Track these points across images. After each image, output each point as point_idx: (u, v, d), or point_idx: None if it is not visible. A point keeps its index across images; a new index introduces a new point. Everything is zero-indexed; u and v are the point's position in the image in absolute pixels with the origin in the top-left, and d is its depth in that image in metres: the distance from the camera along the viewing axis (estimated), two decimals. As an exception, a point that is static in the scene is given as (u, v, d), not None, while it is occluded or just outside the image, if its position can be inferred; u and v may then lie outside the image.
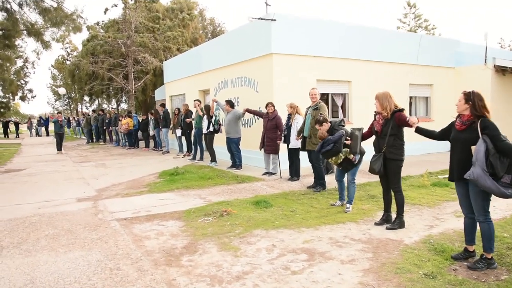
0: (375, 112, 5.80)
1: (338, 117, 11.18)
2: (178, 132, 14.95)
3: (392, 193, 5.82)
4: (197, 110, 12.89)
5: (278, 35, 10.51)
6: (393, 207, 5.85)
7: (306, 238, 5.24)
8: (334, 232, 5.48)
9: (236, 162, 10.88)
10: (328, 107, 12.03)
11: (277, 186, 8.59)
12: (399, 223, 5.68)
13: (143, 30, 24.21)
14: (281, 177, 9.50)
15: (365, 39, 12.34)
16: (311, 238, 5.22)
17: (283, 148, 9.56)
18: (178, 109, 15.55)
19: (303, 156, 9.16)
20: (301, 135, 8.54)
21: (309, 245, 4.96)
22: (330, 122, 6.68)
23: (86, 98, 40.01)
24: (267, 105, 9.59)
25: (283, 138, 9.20)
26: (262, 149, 9.88)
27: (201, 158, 13.00)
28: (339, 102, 12.25)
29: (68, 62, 34.98)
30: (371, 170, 5.73)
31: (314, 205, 6.94)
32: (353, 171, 6.64)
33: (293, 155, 9.07)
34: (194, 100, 13.25)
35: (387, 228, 5.64)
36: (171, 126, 15.83)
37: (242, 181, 9.08)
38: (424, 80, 14.07)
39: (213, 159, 11.85)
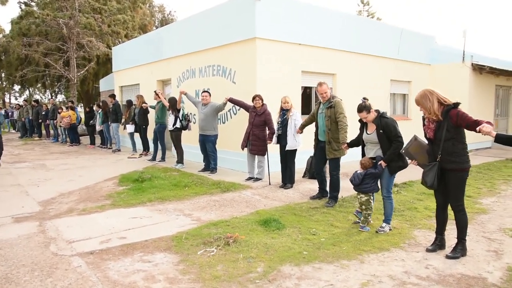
0: (423, 116, 4.53)
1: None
2: (130, 127, 12.92)
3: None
4: (158, 102, 11.03)
5: (263, 17, 8.95)
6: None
7: (359, 278, 3.81)
8: (388, 266, 4.10)
9: (211, 164, 9.19)
10: (311, 103, 10.73)
11: (272, 196, 7.07)
12: (461, 250, 4.45)
13: (89, 10, 21.31)
14: (270, 184, 7.99)
15: (348, 28, 11.14)
16: (366, 278, 3.80)
17: (271, 148, 8.09)
18: (130, 101, 13.51)
19: (299, 157, 7.79)
20: (303, 129, 7.21)
21: (372, 292, 3.52)
22: (377, 110, 5.30)
23: (16, 87, 35.49)
24: (254, 98, 8.02)
25: (276, 138, 7.69)
26: (245, 150, 8.32)
27: (163, 159, 11.14)
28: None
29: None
30: (423, 183, 4.51)
31: (335, 224, 5.52)
32: (388, 182, 5.29)
33: (289, 158, 7.59)
34: (155, 91, 11.35)
35: (447, 257, 4.38)
36: (122, 120, 13.75)
37: (227, 190, 7.44)
38: (403, 76, 13.22)
39: (180, 160, 10.07)
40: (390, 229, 5.27)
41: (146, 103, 12.00)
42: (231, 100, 8.72)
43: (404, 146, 4.79)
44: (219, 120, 10.02)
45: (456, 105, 4.22)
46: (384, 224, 5.28)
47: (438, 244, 4.62)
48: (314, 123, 6.87)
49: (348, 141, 5.99)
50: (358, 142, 5.66)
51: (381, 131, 5.12)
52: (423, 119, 4.54)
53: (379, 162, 5.14)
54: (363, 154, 5.53)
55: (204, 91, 9.32)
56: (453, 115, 4.16)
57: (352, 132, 6.26)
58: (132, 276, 3.76)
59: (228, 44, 9.73)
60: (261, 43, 9.01)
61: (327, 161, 6.69)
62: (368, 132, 5.36)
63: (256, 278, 3.74)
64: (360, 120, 5.48)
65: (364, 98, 5.32)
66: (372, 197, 5.51)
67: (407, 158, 4.98)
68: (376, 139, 5.19)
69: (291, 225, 5.36)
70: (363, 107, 5.24)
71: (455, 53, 13.69)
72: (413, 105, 13.67)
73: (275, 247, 4.53)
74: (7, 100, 41.60)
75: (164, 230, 5.09)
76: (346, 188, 6.98)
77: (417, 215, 6.00)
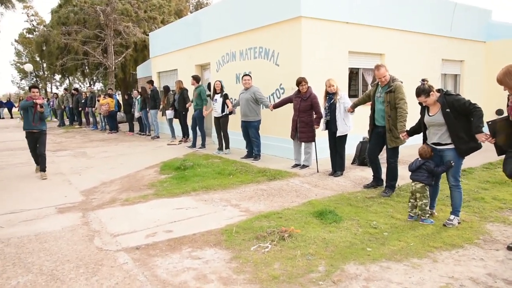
0: (508, 95, 3.94)
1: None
2: (170, 113, 12.72)
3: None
4: (196, 88, 10.71)
5: (307, -6, 8.40)
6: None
7: (436, 280, 3.34)
8: (466, 267, 3.59)
9: (254, 151, 8.82)
10: (358, 85, 10.12)
11: (323, 185, 6.62)
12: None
13: (125, -4, 21.27)
14: (318, 171, 7.53)
15: (397, 4, 10.34)
16: (443, 281, 3.32)
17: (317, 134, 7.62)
18: (167, 87, 13.29)
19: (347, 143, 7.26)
20: (355, 108, 6.81)
21: (456, 299, 3.05)
22: (439, 90, 4.71)
23: (57, 76, 36.27)
24: (299, 82, 7.48)
25: (324, 124, 7.21)
26: (289, 134, 7.87)
27: (203, 145, 10.87)
28: (369, 79, 10.29)
29: (34, 34, 31.00)
30: (504, 171, 4.02)
31: (395, 215, 5.03)
32: (456, 169, 4.70)
33: (339, 144, 7.10)
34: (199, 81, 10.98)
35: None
36: (160, 107, 13.58)
37: (273, 178, 7.04)
38: (456, 55, 12.27)
39: (227, 145, 9.74)
40: (459, 222, 4.73)
41: (188, 100, 11.64)
42: (276, 106, 8.19)
43: (494, 119, 4.17)
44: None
45: None
46: (452, 217, 4.73)
47: (522, 241, 4.07)
48: (369, 107, 6.33)
49: (408, 128, 5.41)
50: (419, 128, 5.06)
51: (447, 110, 4.50)
52: (508, 98, 3.96)
53: (476, 134, 4.38)
54: (425, 139, 4.96)
55: (245, 75, 8.90)
56: None
57: (410, 118, 5.72)
58: (182, 275, 3.43)
59: (270, 25, 9.23)
60: (307, 22, 8.46)
61: (383, 148, 6.18)
62: (430, 114, 4.75)
63: (319, 279, 3.34)
64: (421, 103, 4.91)
65: (423, 80, 4.72)
66: (437, 186, 5.01)
67: (481, 138, 4.34)
68: (442, 120, 4.57)
69: (348, 217, 4.91)
70: (421, 91, 4.64)
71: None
72: (465, 87, 12.76)
73: (335, 243, 4.10)
74: (48, 89, 42.83)
75: (212, 223, 4.76)
76: (402, 176, 6.42)
77: (485, 206, 5.40)
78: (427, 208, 4.80)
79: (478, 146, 4.52)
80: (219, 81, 9.73)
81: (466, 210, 5.20)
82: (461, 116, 4.45)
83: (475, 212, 5.19)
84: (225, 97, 9.48)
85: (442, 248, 4.01)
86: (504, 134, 4.03)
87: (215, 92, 9.69)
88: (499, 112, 12.63)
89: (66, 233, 4.50)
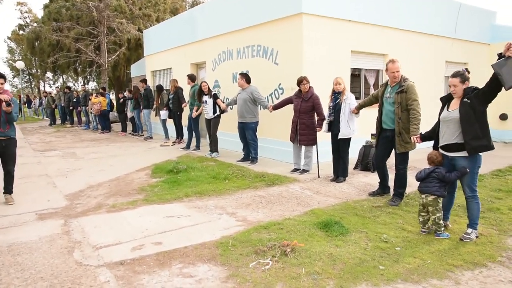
0: None
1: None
2: (164, 114, 12.23)
3: None
4: (192, 87, 10.28)
5: (309, -11, 7.98)
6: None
7: (462, 308, 2.91)
8: (494, 291, 3.17)
9: (251, 154, 8.38)
10: (360, 87, 9.72)
11: (325, 192, 6.19)
12: None
13: (119, -8, 20.72)
14: (319, 176, 7.11)
15: (400, 2, 9.94)
16: (471, 309, 2.89)
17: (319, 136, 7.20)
18: (160, 86, 12.79)
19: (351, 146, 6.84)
20: (360, 110, 6.37)
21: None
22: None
23: (50, 75, 35.53)
24: (300, 81, 7.06)
25: (326, 126, 6.79)
26: (288, 136, 7.45)
27: (198, 147, 10.41)
28: (371, 80, 9.90)
29: (26, 30, 30.33)
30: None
31: (406, 227, 4.60)
32: (472, 178, 4.26)
33: (342, 147, 6.67)
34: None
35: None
36: (154, 106, 13.09)
37: (272, 183, 6.60)
38: (460, 57, 11.90)
39: (215, 148, 9.32)
40: (476, 236, 4.31)
41: (184, 100, 11.13)
42: (275, 108, 7.77)
43: None
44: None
45: None
46: (469, 230, 4.30)
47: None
48: (374, 109, 5.91)
49: (422, 132, 4.94)
50: (435, 131, 4.60)
51: (466, 99, 4.05)
52: None
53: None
54: (436, 144, 4.51)
55: (239, 74, 8.47)
56: None
57: (423, 123, 5.32)
58: (171, 298, 2.99)
59: (269, 22, 8.80)
60: (308, 19, 8.05)
61: (390, 153, 5.76)
62: (449, 109, 4.30)
63: (328, 305, 2.91)
64: (442, 98, 4.46)
65: (466, 69, 4.30)
66: (453, 196, 4.59)
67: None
68: (458, 116, 4.10)
69: (356, 228, 4.48)
70: (459, 74, 4.14)
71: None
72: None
73: (343, 259, 3.67)
74: (42, 88, 42.14)
75: (206, 234, 4.31)
76: (409, 183, 5.97)
77: (503, 218, 4.99)
78: (441, 221, 4.37)
79: (489, 146, 4.09)
80: (205, 82, 9.34)
81: (483, 222, 4.79)
82: (478, 107, 4.01)
83: (492, 224, 4.78)
84: (215, 97, 9.08)
85: (463, 267, 3.59)
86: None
87: (203, 94, 9.25)
88: (503, 116, 12.32)
89: (43, 244, 4.02)
